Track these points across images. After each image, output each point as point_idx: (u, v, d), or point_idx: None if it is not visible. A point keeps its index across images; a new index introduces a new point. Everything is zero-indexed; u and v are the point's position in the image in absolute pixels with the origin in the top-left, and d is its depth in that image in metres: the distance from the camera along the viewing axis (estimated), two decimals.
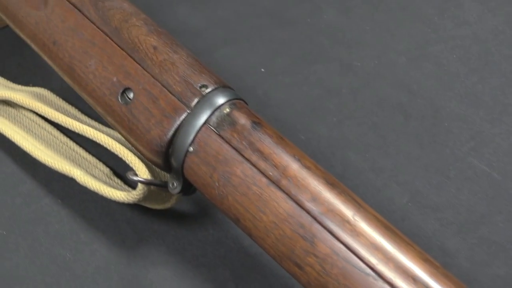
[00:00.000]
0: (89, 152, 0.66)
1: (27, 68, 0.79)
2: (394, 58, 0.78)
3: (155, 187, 0.56)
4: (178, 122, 0.53)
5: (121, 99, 0.56)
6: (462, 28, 0.82)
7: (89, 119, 0.68)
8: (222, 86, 0.55)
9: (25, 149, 0.65)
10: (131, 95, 0.56)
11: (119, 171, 0.66)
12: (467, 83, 0.76)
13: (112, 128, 0.63)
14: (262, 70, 0.77)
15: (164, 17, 0.87)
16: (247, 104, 0.56)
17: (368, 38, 0.82)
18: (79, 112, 0.69)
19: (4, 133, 0.67)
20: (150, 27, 0.59)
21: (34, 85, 0.76)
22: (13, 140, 0.66)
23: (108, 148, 0.58)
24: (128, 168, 0.61)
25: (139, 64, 0.57)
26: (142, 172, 0.56)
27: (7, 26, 0.85)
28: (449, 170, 0.67)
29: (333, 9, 0.86)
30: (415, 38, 0.81)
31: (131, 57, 0.58)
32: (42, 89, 0.71)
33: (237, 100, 0.54)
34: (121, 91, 0.57)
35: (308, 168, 0.50)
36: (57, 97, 0.70)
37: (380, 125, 0.71)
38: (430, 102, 0.73)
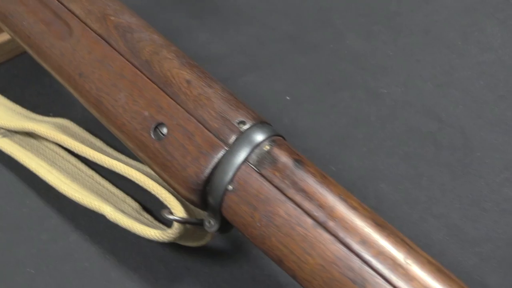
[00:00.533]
0: (116, 186, 0.64)
1: (47, 97, 0.77)
2: (421, 85, 0.77)
3: (191, 225, 0.55)
4: (216, 160, 0.52)
5: (154, 135, 0.55)
6: (487, 53, 0.81)
7: (115, 151, 0.66)
8: (260, 122, 0.53)
9: (50, 183, 0.63)
10: (164, 131, 0.54)
11: (147, 205, 0.64)
12: (496, 110, 0.74)
13: (142, 163, 0.61)
14: (287, 98, 0.76)
15: (183, 44, 0.85)
16: (285, 139, 0.54)
17: (392, 64, 0.80)
18: (105, 145, 0.67)
19: (28, 166, 0.65)
20: (182, 60, 0.57)
21: (54, 114, 0.74)
22: (37, 173, 0.64)
23: (140, 184, 0.56)
24: (156, 202, 0.59)
25: (172, 99, 0.55)
26: (177, 210, 0.54)
27: (25, 52, 0.83)
28: (485, 202, 0.65)
29: (355, 34, 0.84)
30: (440, 64, 0.80)
31: (163, 91, 0.56)
32: (65, 120, 0.70)
33: (276, 137, 0.53)
34: (153, 126, 0.55)
35: (354, 208, 0.48)
36: (81, 129, 0.68)
37: (411, 155, 0.69)
38: (460, 131, 0.72)
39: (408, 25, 0.86)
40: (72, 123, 0.69)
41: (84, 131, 0.69)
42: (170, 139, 0.54)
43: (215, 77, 0.58)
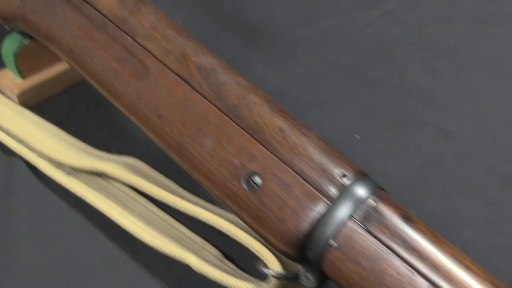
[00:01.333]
0: (193, 231, 0.62)
1: (107, 131, 0.75)
2: (492, 124, 0.75)
3: (287, 280, 0.53)
4: (317, 214, 0.50)
5: (246, 184, 0.53)
6: None
7: (192, 195, 0.64)
8: (362, 175, 0.51)
9: (125, 227, 0.61)
10: (258, 181, 0.52)
11: (226, 251, 0.61)
12: None
13: (225, 209, 0.59)
14: (357, 136, 0.73)
15: (244, 75, 0.83)
16: (386, 192, 0.52)
17: (459, 101, 0.78)
18: (178, 187, 0.65)
19: (98, 208, 0.63)
20: (272, 106, 0.55)
21: (117, 150, 0.72)
22: (109, 216, 0.62)
23: (230, 235, 0.54)
24: (235, 248, 0.57)
25: (265, 147, 0.53)
26: (273, 264, 0.52)
27: (80, 82, 0.81)
28: None
29: (418, 68, 0.83)
30: (509, 102, 0.78)
31: (254, 138, 0.54)
32: (134, 159, 0.68)
33: (379, 190, 0.51)
34: (245, 175, 0.53)
35: (469, 269, 0.46)
36: (152, 169, 0.66)
37: (491, 199, 0.68)
38: None
39: (470, 60, 0.84)
40: (141, 162, 0.67)
41: (156, 171, 0.67)
42: (265, 190, 0.52)
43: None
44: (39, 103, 0.80)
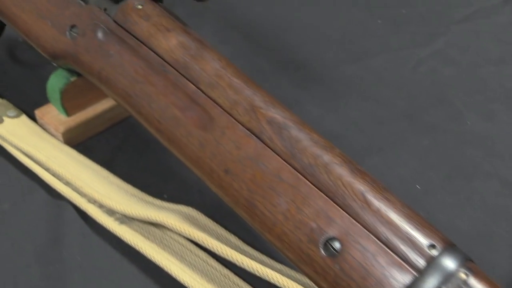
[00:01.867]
0: None
1: (157, 175, 0.72)
2: None
3: None
4: (403, 286, 0.47)
5: (324, 249, 0.50)
6: None
7: (255, 251, 0.61)
8: (450, 245, 0.48)
9: (185, 283, 0.58)
10: (338, 246, 0.49)
11: None
12: None
13: (294, 269, 0.56)
14: (418, 187, 0.71)
15: None
16: (475, 263, 0.49)
17: None
18: (240, 241, 0.62)
19: (155, 260, 0.61)
20: (351, 166, 0.53)
21: (168, 196, 0.70)
22: (167, 269, 0.60)
23: None
24: None
25: (346, 211, 0.51)
26: None
27: (125, 118, 0.79)
28: None
29: (474, 113, 0.80)
30: None
31: (333, 201, 0.51)
32: (189, 208, 0.65)
33: (469, 262, 0.48)
34: (323, 240, 0.50)
35: None
36: (211, 221, 0.64)
37: None
38: None
39: None
40: (198, 212, 0.65)
41: (214, 223, 0.64)
42: (346, 257, 0.49)
43: None
44: (84, 142, 0.77)
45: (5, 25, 0.81)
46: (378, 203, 0.50)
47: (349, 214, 0.50)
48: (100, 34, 0.66)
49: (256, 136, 0.55)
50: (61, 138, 0.76)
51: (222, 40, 0.93)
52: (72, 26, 0.69)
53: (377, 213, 0.49)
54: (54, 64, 0.74)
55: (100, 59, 0.66)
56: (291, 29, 0.96)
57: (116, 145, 0.76)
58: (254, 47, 0.92)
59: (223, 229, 0.64)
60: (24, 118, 0.78)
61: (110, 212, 0.65)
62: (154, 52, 0.63)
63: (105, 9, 0.67)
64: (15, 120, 0.77)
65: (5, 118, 0.77)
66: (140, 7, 0.65)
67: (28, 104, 0.79)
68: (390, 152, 0.74)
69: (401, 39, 0.93)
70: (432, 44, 0.91)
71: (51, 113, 0.77)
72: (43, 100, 0.76)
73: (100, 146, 0.76)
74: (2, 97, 0.81)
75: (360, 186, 0.51)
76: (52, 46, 0.71)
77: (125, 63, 0.64)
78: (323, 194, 0.51)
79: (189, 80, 0.60)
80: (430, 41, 0.92)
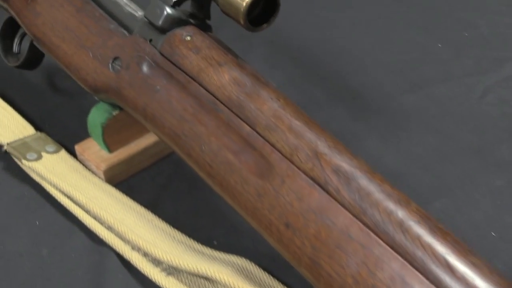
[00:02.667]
0: None
1: (206, 218, 0.67)
2: None
3: None
4: None
5: None
6: None
7: None
8: None
9: None
10: None
11: None
12: None
13: None
14: (493, 234, 0.64)
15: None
16: None
17: None
18: None
19: None
20: (430, 224, 0.46)
21: (218, 242, 0.64)
22: None
23: None
24: None
25: (427, 278, 0.45)
26: None
27: (169, 154, 0.73)
28: None
29: None
30: None
31: (412, 265, 0.45)
32: (244, 259, 0.60)
33: None
34: None
35: None
36: (267, 275, 0.58)
37: None
38: None
39: None
40: (253, 265, 0.59)
41: (271, 277, 0.58)
42: None
43: None
44: (127, 179, 0.72)
45: (44, 54, 0.76)
46: (463, 269, 0.43)
47: (429, 281, 0.44)
48: (145, 68, 0.61)
49: (321, 187, 0.49)
50: (102, 176, 0.71)
51: (272, 65, 0.87)
52: (115, 58, 0.64)
53: (462, 281, 0.43)
54: (96, 98, 0.69)
55: (145, 95, 0.61)
56: (345, 53, 0.90)
57: (161, 184, 0.71)
58: (306, 74, 0.86)
59: (280, 283, 0.57)
60: (63, 153, 0.73)
61: (156, 261, 0.60)
62: (205, 89, 0.58)
63: (150, 40, 0.62)
64: (54, 156, 0.72)
65: (44, 154, 0.72)
66: (188, 38, 0.60)
67: (67, 137, 0.75)
68: (459, 193, 0.68)
69: (464, 65, 0.86)
70: (499, 70, 0.84)
71: (92, 148, 0.72)
72: (83, 132, 0.71)
73: (144, 185, 0.70)
74: (41, 130, 0.76)
75: (441, 247, 0.45)
76: (93, 79, 0.66)
77: (173, 100, 0.59)
78: (399, 256, 0.45)
79: (244, 121, 0.55)
80: (497, 67, 0.85)
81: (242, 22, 0.56)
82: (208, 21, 0.63)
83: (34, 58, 0.80)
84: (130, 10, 0.66)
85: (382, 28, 0.96)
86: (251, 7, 0.55)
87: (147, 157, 0.74)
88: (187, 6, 0.62)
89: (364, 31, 0.95)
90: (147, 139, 0.73)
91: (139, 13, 0.65)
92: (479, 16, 0.98)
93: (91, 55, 0.67)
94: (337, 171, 0.50)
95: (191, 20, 0.62)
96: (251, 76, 0.57)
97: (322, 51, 0.90)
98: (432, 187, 0.69)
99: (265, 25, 0.58)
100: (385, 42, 0.93)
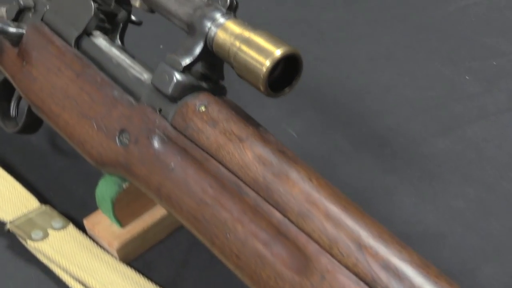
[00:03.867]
0: None
1: None
2: None
3: None
4: None
5: None
6: None
7: None
8: None
9: None
10: None
11: None
12: None
13: None
14: None
15: (386, 212, 0.67)
16: None
17: None
18: None
19: None
20: None
21: None
22: None
23: None
24: None
25: None
26: None
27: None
28: None
29: None
30: None
31: None
32: None
33: None
34: None
35: None
36: None
37: None
38: None
39: None
40: None
41: None
42: None
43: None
44: (143, 254, 0.67)
45: (42, 121, 0.70)
46: None
47: None
48: (156, 143, 0.55)
49: (368, 285, 0.43)
50: (116, 255, 0.64)
51: (289, 112, 0.81)
52: (122, 131, 0.57)
53: None
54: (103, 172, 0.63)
55: (158, 173, 0.55)
56: (366, 92, 0.83)
57: (180, 259, 0.66)
58: (327, 119, 0.79)
59: None
60: (71, 229, 0.68)
61: None
62: (226, 168, 0.51)
63: (160, 110, 0.55)
64: (62, 233, 0.67)
65: (50, 231, 0.66)
66: (203, 109, 0.53)
67: (74, 206, 0.71)
68: (509, 256, 0.60)
69: (497, 99, 0.80)
70: None
71: (102, 223, 0.67)
72: (91, 199, 0.66)
73: (161, 261, 0.65)
74: (46, 200, 0.69)
75: None
76: (99, 153, 0.60)
77: (190, 180, 0.52)
78: None
79: (273, 206, 0.48)
80: None
81: (262, 88, 0.50)
82: (221, 82, 0.57)
83: (33, 122, 0.73)
84: (135, 73, 0.59)
85: (403, 60, 0.89)
86: (272, 71, 0.49)
87: (162, 228, 0.69)
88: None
89: (383, 64, 0.89)
90: (161, 209, 0.67)
91: (145, 76, 0.58)
92: (506, 41, 0.91)
93: (95, 126, 0.60)
94: (386, 267, 0.43)
95: (204, 84, 0.55)
96: (277, 152, 0.50)
97: (341, 91, 0.83)
98: (476, 250, 0.62)
99: (287, 89, 0.52)
100: (407, 76, 0.86)
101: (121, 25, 0.66)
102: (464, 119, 0.78)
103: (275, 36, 0.50)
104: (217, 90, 0.57)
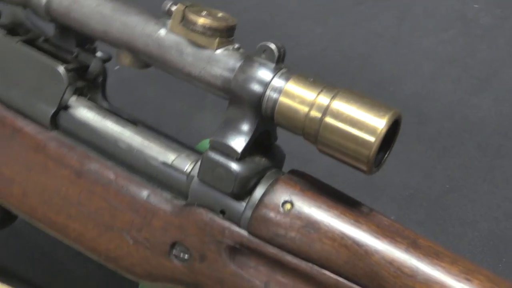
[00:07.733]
0: None
1: None
2: None
3: None
4: None
5: None
6: None
7: None
8: None
9: None
10: None
11: None
12: None
13: None
14: None
15: None
16: None
17: None
18: None
19: None
20: None
21: None
22: None
23: None
24: None
25: None
26: None
27: None
28: None
29: None
30: None
31: None
32: None
33: None
34: None
35: None
36: None
37: None
38: None
39: None
40: None
41: None
42: None
43: None
44: None
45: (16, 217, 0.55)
46: None
47: None
48: (232, 257, 0.42)
49: None
50: None
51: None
52: (174, 244, 0.44)
53: None
54: None
55: None
56: None
57: None
58: None
59: None
60: None
61: None
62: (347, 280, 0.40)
63: (222, 212, 0.42)
64: None
65: None
66: (288, 207, 0.41)
67: None
68: None
69: None
70: None
71: None
72: None
73: None
74: None
75: None
76: (146, 271, 0.47)
77: None
78: None
79: None
80: None
81: (366, 168, 0.38)
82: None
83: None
84: (157, 155, 0.46)
85: None
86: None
87: None
88: None
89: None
90: None
91: (171, 157, 0.46)
92: None
93: (129, 240, 0.47)
94: None
95: (263, 160, 0.44)
96: (410, 248, 0.40)
97: None
98: None
99: (386, 156, 0.41)
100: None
101: (100, 77, 0.51)
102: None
103: (361, 94, 0.38)
104: (278, 160, 0.44)
